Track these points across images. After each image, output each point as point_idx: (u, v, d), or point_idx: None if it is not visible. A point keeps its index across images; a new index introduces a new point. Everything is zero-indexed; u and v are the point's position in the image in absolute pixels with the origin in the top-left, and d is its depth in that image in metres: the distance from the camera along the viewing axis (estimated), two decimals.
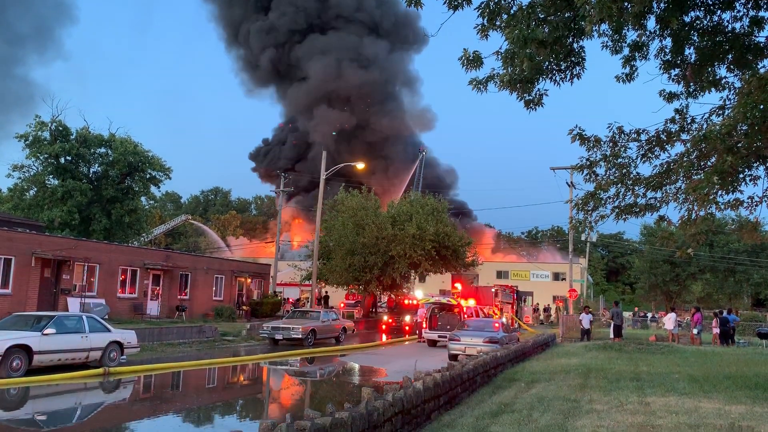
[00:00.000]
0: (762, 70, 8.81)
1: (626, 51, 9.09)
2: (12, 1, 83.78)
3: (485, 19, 8.09)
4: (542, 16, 7.92)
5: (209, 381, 15.95)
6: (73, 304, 24.21)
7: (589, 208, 10.67)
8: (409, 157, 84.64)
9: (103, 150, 38.46)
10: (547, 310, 55.61)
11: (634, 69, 9.24)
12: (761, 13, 8.64)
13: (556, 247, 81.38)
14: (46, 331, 13.92)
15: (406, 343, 28.37)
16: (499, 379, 13.12)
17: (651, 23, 8.61)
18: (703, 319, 27.61)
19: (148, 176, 39.31)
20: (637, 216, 10.62)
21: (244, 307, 35.48)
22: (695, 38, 8.76)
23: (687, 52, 9.02)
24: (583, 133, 10.06)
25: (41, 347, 13.69)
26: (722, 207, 9.70)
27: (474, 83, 8.55)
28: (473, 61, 8.14)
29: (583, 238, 43.56)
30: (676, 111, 9.90)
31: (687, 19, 8.57)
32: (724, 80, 9.45)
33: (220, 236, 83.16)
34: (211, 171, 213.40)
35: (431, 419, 8.57)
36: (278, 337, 23.37)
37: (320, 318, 25.15)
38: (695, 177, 9.63)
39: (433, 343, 25.70)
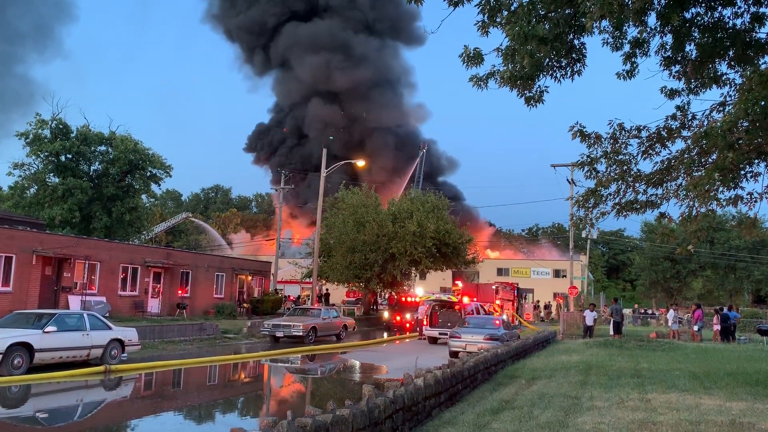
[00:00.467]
0: (763, 67, 8.79)
1: (627, 48, 9.06)
2: None
3: (486, 16, 8.08)
4: (543, 12, 7.90)
5: (210, 378, 15.97)
6: (74, 302, 24.24)
7: (590, 205, 10.66)
8: (409, 154, 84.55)
9: (103, 148, 38.40)
10: (547, 307, 55.65)
11: (634, 66, 9.22)
12: (762, 10, 8.62)
13: (556, 244, 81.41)
14: (47, 329, 13.95)
15: (407, 340, 28.40)
16: (500, 376, 13.13)
17: (652, 19, 8.60)
18: (703, 316, 27.62)
19: (148, 174, 39.27)
20: (637, 213, 10.62)
21: (245, 305, 35.51)
22: (696, 34, 8.74)
23: (688, 48, 8.99)
24: (584, 130, 10.04)
25: (42, 345, 13.71)
26: (723, 204, 9.70)
27: (475, 80, 8.53)
28: (474, 57, 8.12)
29: (583, 235, 43.57)
30: (678, 108, 9.89)
31: (688, 16, 8.55)
32: (724, 77, 9.43)
33: (220, 234, 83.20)
34: (211, 169, 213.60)
35: (432, 416, 8.58)
36: (279, 334, 23.39)
37: (321, 315, 25.18)
38: (696, 174, 9.63)
39: (433, 341, 25.73)
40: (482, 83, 8.54)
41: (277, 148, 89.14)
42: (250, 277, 37.76)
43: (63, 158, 36.67)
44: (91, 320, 15.40)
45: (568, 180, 30.13)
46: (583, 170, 10.63)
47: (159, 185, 41.13)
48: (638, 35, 8.90)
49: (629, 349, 19.34)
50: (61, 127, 36.46)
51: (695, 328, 26.62)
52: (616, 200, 10.49)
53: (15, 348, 13.14)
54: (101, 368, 14.59)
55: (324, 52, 79.45)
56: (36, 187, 36.78)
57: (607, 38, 8.90)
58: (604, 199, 10.50)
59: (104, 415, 11.10)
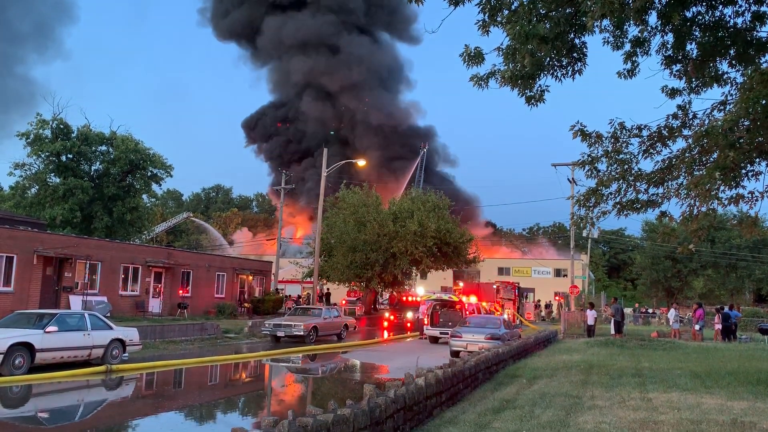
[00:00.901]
0: (764, 65, 8.79)
1: (628, 47, 9.05)
2: (13, 0, 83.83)
3: (486, 15, 8.08)
4: (543, 11, 7.90)
5: (211, 378, 15.97)
6: (75, 302, 24.25)
7: (591, 204, 10.67)
8: (409, 153, 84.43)
9: (104, 148, 38.41)
10: (548, 306, 55.64)
11: (635, 65, 9.21)
12: (763, 8, 8.61)
13: (558, 243, 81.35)
14: (48, 329, 13.95)
15: (408, 339, 28.40)
16: (501, 376, 13.12)
17: (652, 19, 8.59)
18: (705, 315, 27.59)
19: (149, 174, 39.28)
20: (638, 212, 10.62)
21: (246, 305, 35.52)
22: (697, 33, 8.72)
23: (688, 47, 8.98)
24: (585, 129, 10.04)
25: (43, 345, 13.72)
26: (724, 203, 9.70)
27: (475, 79, 8.53)
28: (474, 57, 8.12)
29: (584, 235, 43.56)
30: (679, 107, 9.88)
31: (689, 15, 8.54)
32: (725, 75, 9.42)
33: (221, 234, 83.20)
34: (212, 168, 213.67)
35: (433, 416, 8.57)
36: (280, 334, 23.40)
37: (322, 315, 25.18)
38: (697, 173, 9.63)
39: (434, 340, 25.71)
40: (483, 83, 8.53)
41: (271, 136, 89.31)
42: (251, 277, 37.77)
43: (64, 158, 36.68)
44: (92, 320, 15.41)
45: (569, 179, 30.15)
46: (584, 169, 10.64)
47: (160, 185, 41.18)
48: (639, 34, 8.90)
49: (630, 349, 19.33)
50: (61, 127, 36.47)
51: (696, 327, 26.58)
52: (617, 199, 10.50)
53: (16, 348, 13.14)
54: (102, 368, 14.59)
55: (313, 51, 79.38)
56: (37, 187, 36.80)
57: (608, 37, 8.90)
58: (605, 198, 10.50)
59: (105, 415, 11.10)
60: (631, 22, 8.21)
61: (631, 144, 10.20)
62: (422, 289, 39.90)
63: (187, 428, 10.26)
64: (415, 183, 74.52)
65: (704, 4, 8.55)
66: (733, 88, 9.50)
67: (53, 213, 34.48)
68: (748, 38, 8.59)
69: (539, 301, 56.34)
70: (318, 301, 36.12)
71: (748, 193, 9.55)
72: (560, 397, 9.83)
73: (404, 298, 39.16)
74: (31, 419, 10.56)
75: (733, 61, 9.03)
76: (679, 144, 10.08)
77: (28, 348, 13.43)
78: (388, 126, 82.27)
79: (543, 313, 52.86)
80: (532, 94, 8.70)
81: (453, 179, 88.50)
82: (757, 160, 9.36)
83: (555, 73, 8.71)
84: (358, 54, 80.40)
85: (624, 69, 9.32)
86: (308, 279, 40.42)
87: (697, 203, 9.73)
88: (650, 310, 55.15)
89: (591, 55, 8.77)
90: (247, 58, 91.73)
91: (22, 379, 12.88)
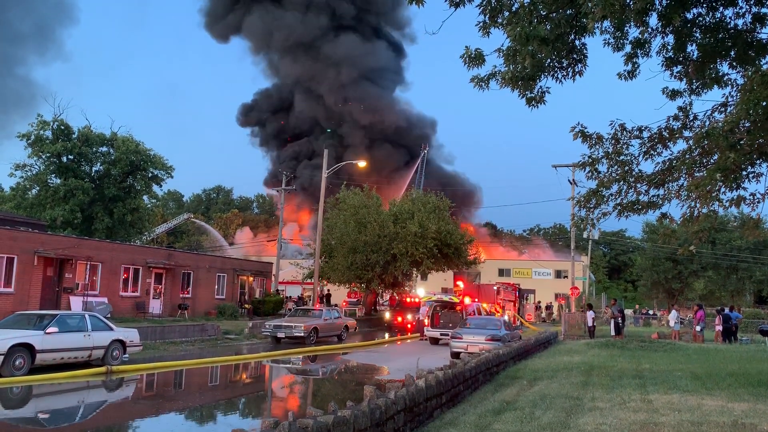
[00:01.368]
0: (764, 67, 8.78)
1: (628, 48, 9.05)
2: (13, 1, 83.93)
3: (487, 17, 8.08)
4: (544, 13, 7.90)
5: (212, 379, 15.97)
6: (76, 303, 24.26)
7: (591, 206, 10.65)
8: (410, 154, 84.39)
9: (105, 149, 38.48)
10: (549, 307, 55.64)
11: (636, 66, 9.21)
12: (763, 10, 8.61)
13: (558, 244, 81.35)
14: (48, 330, 13.95)
15: (408, 341, 28.40)
16: (502, 377, 13.12)
17: (653, 20, 8.58)
18: (705, 317, 27.57)
19: (150, 175, 39.33)
20: (639, 213, 10.60)
21: (246, 306, 35.51)
22: (697, 35, 8.72)
23: (689, 48, 8.98)
24: (585, 131, 10.03)
25: (44, 346, 13.72)
26: (725, 204, 9.68)
27: (476, 81, 8.53)
28: (475, 58, 8.12)
29: (585, 236, 43.56)
30: (680, 109, 9.87)
31: (689, 16, 8.54)
32: (726, 77, 9.41)
33: (222, 234, 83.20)
34: (213, 169, 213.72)
35: (434, 417, 8.57)
36: (280, 335, 23.39)
37: (322, 316, 25.18)
38: (698, 174, 9.62)
39: (435, 341, 25.71)
40: (483, 84, 8.53)
41: (266, 123, 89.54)
42: (251, 278, 37.77)
43: (64, 159, 36.74)
44: (93, 321, 15.41)
45: (569, 180, 30.08)
46: (584, 171, 10.63)
47: (160, 186, 41.27)
48: (639, 36, 8.89)
49: (631, 350, 19.31)
50: (62, 128, 36.54)
51: (697, 328, 26.56)
52: (618, 201, 10.48)
53: (17, 349, 13.14)
54: (103, 369, 14.59)
55: (306, 53, 79.57)
56: (38, 188, 36.87)
57: (609, 39, 8.89)
58: (605, 199, 10.49)
59: (106, 416, 11.10)
60: (632, 23, 8.21)
61: (631, 145, 10.19)
62: (422, 291, 39.88)
63: (188, 429, 10.26)
64: (416, 184, 74.48)
65: (705, 5, 8.56)
66: (734, 89, 9.49)
67: (54, 214, 34.53)
68: (749, 40, 8.59)
69: (540, 302, 56.34)
70: (318, 302, 36.12)
71: (750, 195, 9.54)
72: (561, 399, 9.82)
73: (405, 300, 39.17)
74: (31, 420, 10.56)
75: (734, 63, 9.03)
76: (680, 145, 10.07)
77: (28, 349, 13.43)
78: (388, 126, 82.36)
79: (543, 315, 52.85)
80: (533, 95, 8.70)
81: (455, 171, 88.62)
82: (758, 161, 9.35)
83: (555, 75, 8.71)
84: (353, 54, 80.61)
85: (624, 70, 9.32)
86: (309, 280, 40.40)
87: (698, 205, 9.71)
88: (651, 312, 55.13)
89: (591, 57, 8.78)
90: (248, 50, 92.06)
91: (22, 380, 12.88)
